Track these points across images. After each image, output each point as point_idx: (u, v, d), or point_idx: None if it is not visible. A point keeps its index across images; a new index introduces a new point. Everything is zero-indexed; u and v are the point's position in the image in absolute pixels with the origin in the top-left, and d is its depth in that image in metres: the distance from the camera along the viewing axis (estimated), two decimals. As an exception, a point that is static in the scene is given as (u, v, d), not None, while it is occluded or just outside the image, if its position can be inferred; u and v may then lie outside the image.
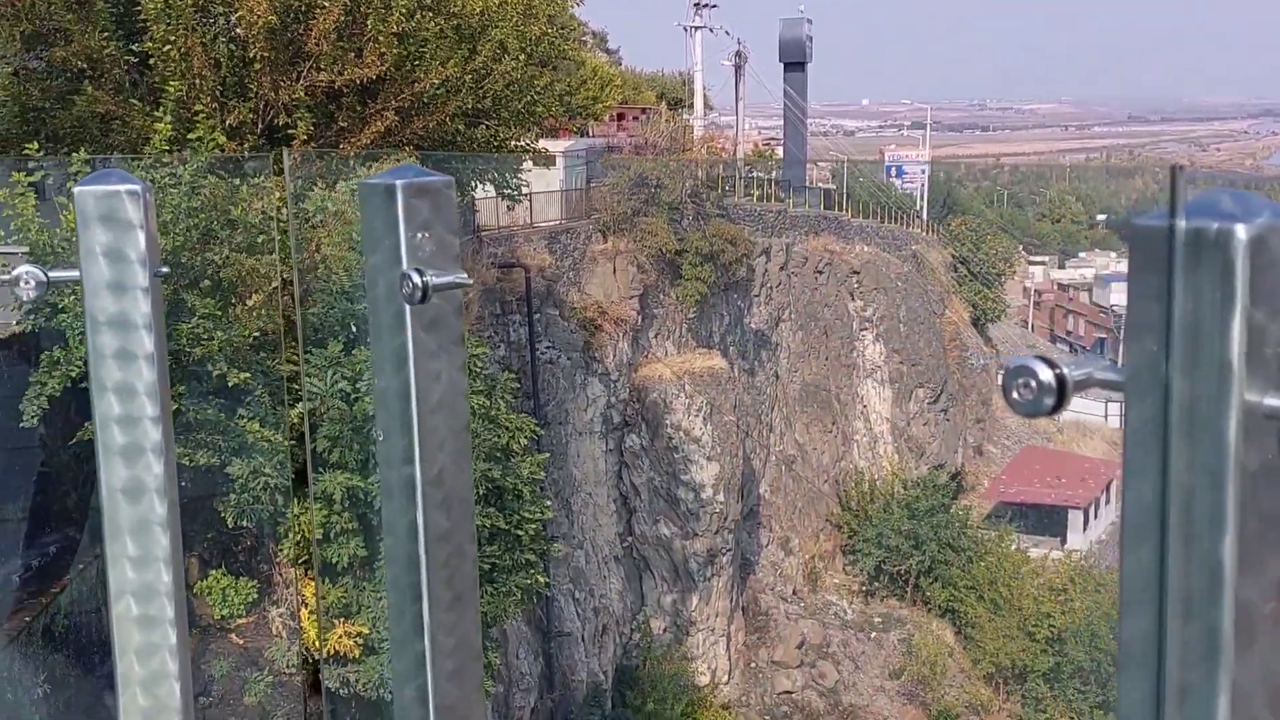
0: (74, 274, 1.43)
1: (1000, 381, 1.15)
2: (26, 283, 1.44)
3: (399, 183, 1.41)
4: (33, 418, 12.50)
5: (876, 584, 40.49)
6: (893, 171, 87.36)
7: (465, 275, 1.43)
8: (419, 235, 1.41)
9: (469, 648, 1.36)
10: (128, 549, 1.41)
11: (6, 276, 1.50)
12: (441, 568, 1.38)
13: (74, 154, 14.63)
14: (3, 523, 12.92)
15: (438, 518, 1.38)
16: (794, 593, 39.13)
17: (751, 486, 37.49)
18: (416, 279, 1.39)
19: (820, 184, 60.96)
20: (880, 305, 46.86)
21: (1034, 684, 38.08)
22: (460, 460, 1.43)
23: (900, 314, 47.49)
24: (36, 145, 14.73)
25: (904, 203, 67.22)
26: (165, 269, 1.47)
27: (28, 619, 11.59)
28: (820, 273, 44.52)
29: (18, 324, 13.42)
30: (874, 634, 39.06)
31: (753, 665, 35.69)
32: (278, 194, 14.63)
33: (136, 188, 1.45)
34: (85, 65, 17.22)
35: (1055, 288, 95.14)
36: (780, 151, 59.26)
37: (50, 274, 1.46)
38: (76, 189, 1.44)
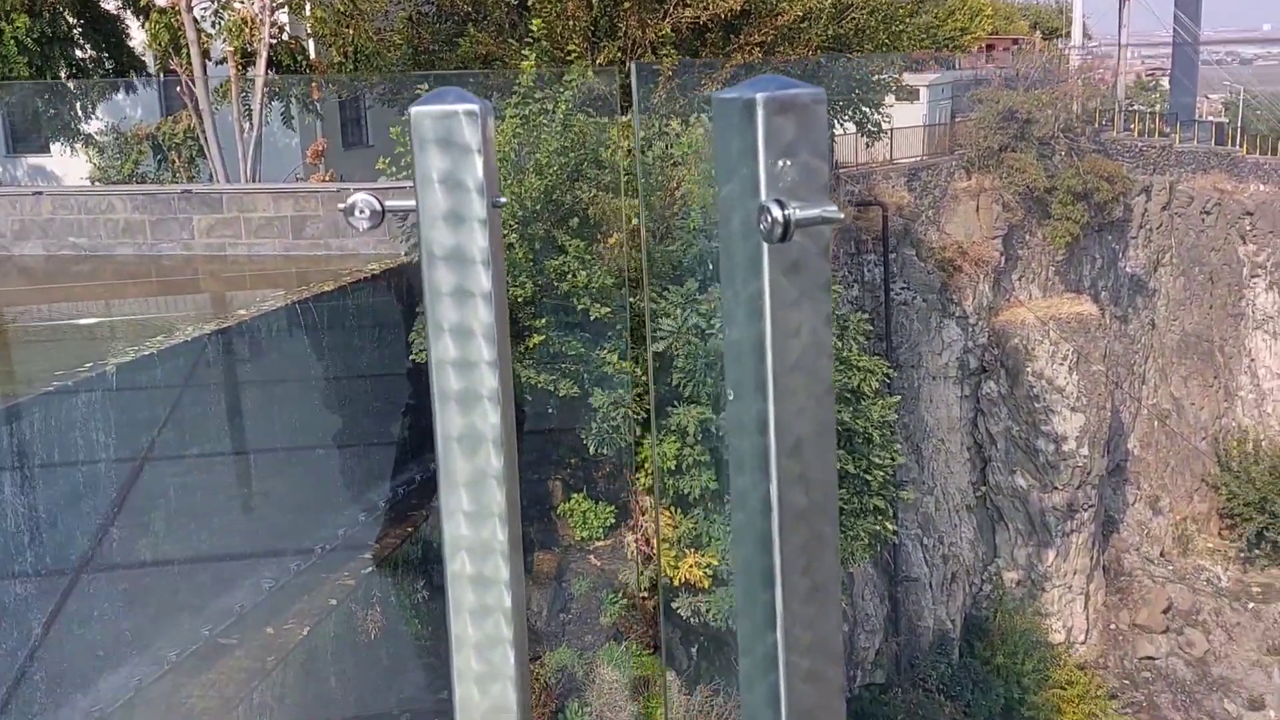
0: (410, 203, 1.35)
1: None
2: (361, 212, 1.37)
3: (759, 96, 1.19)
4: (420, 350, 13.30)
5: (1257, 552, 37.83)
6: (1298, 102, 79.42)
7: (835, 209, 1.21)
8: (782, 161, 1.20)
9: (828, 648, 1.18)
10: (463, 503, 1.33)
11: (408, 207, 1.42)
12: (799, 553, 1.19)
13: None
14: (378, 448, 13.92)
15: (794, 494, 1.20)
16: (1161, 554, 37.21)
17: (1119, 441, 35.67)
18: (777, 212, 1.18)
19: (1211, 117, 56.52)
20: (1276, 250, 42.83)
21: None
22: (823, 431, 1.23)
23: (1300, 260, 43.20)
24: (426, 86, 15.83)
25: (1311, 137, 60.98)
26: (503, 199, 1.37)
27: (400, 539, 12.51)
28: (1208, 213, 41.29)
29: (406, 255, 14.32)
30: (1251, 605, 36.60)
31: (1112, 627, 34.24)
32: (656, 129, 14.86)
33: (475, 107, 1.31)
34: (470, 9, 18.29)
35: None
36: (1166, 82, 55.40)
37: (387, 203, 1.38)
38: (413, 109, 1.33)
